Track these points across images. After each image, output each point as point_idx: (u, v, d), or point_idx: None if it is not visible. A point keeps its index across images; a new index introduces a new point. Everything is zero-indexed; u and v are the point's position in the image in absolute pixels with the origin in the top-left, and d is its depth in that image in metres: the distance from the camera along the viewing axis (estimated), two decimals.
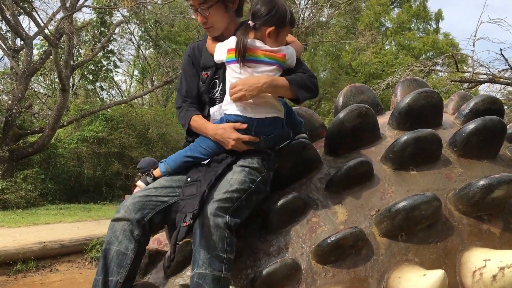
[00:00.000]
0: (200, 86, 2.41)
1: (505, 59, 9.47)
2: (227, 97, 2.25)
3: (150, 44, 26.48)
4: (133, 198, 2.20)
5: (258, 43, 2.24)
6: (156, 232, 2.43)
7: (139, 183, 2.41)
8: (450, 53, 9.10)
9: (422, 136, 2.39)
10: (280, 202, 2.24)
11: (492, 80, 8.48)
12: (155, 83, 28.11)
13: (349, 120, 2.48)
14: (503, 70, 10.11)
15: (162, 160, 2.45)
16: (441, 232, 2.26)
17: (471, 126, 2.52)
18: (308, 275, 2.14)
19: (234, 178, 2.15)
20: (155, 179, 2.38)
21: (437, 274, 1.93)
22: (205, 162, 2.31)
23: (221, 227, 1.96)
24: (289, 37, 2.43)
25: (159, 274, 2.37)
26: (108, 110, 20.18)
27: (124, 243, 2.11)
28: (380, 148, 2.56)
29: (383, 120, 2.78)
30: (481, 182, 2.25)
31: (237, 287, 2.13)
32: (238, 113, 2.22)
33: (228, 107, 2.26)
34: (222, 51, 2.29)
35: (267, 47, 2.24)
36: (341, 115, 2.49)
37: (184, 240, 2.05)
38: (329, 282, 2.12)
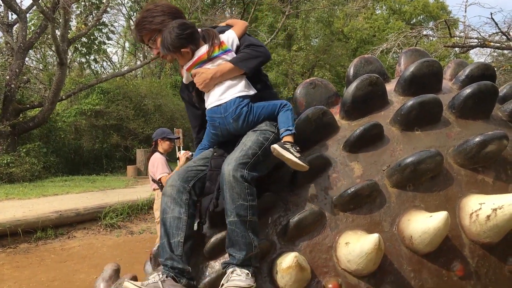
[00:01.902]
0: (194, 101, 2.87)
1: (495, 23, 9.77)
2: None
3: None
4: (180, 170, 2.61)
5: (200, 51, 2.69)
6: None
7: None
8: (443, 19, 9.37)
9: (426, 100, 2.75)
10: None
11: (483, 44, 8.81)
12: (147, 54, 28.13)
13: (361, 88, 2.83)
14: (493, 33, 10.44)
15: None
16: (443, 182, 2.66)
17: (467, 90, 2.88)
18: (331, 220, 2.53)
19: (248, 139, 2.51)
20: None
21: (442, 215, 2.32)
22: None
23: (240, 181, 2.30)
24: (231, 21, 2.90)
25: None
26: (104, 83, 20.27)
27: (177, 209, 2.44)
28: (388, 112, 2.92)
29: (390, 87, 3.13)
30: (477, 139, 2.63)
31: (273, 233, 2.52)
32: (209, 106, 2.67)
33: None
34: (184, 73, 2.81)
35: (204, 49, 2.68)
36: (354, 84, 2.84)
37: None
38: (350, 226, 2.52)
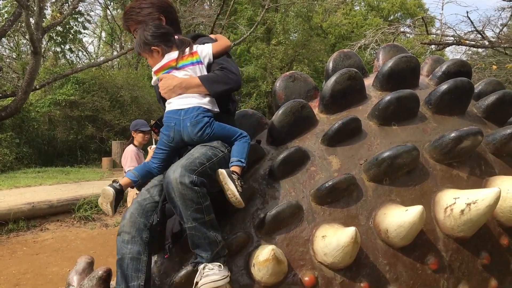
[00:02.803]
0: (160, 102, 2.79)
1: (471, 21, 9.94)
2: None
3: (118, 4, 25.93)
4: (135, 204, 2.42)
5: (170, 55, 2.62)
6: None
7: (107, 188, 2.47)
8: (421, 17, 9.48)
9: (403, 95, 2.78)
10: (285, 154, 2.61)
11: (459, 42, 8.95)
12: (124, 45, 27.74)
13: (340, 82, 2.84)
14: (468, 32, 10.61)
15: (127, 172, 2.67)
16: (419, 176, 2.69)
17: (444, 86, 2.92)
18: (309, 214, 2.54)
19: (196, 151, 2.38)
20: (120, 186, 2.49)
21: (417, 209, 2.35)
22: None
23: (189, 186, 2.16)
24: (218, 36, 2.81)
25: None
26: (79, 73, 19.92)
27: (135, 249, 2.29)
28: (366, 107, 2.94)
29: (368, 82, 3.15)
30: (452, 134, 2.66)
31: (250, 226, 2.51)
32: (168, 108, 2.57)
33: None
34: (152, 75, 2.72)
35: (175, 55, 2.61)
36: (333, 78, 2.85)
37: None
38: (327, 219, 2.53)
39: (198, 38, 2.79)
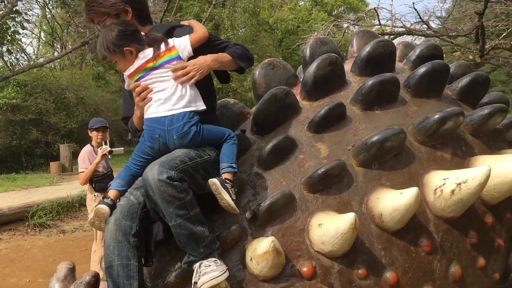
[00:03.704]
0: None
1: (417, 12, 10.21)
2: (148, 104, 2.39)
3: (58, 2, 24.92)
4: (119, 207, 2.25)
5: (144, 54, 2.40)
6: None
7: (101, 206, 2.28)
8: (373, 8, 9.65)
9: (385, 79, 2.76)
10: (273, 143, 2.52)
11: (409, 32, 9.18)
12: (65, 44, 26.73)
13: (322, 67, 2.79)
14: (415, 22, 10.91)
15: (111, 183, 2.43)
16: (405, 159, 2.68)
17: (422, 69, 2.93)
18: (301, 203, 2.47)
19: (178, 151, 2.26)
20: (112, 200, 2.33)
21: (412, 191, 2.33)
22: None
23: (168, 182, 2.04)
24: (193, 23, 2.61)
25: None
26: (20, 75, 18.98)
27: (124, 254, 2.14)
28: (347, 92, 2.91)
29: (346, 67, 3.12)
30: (436, 116, 2.67)
31: (243, 219, 2.41)
32: (148, 116, 2.37)
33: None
34: (125, 79, 2.51)
35: (150, 53, 2.39)
36: (314, 63, 2.79)
37: None
38: (320, 207, 2.47)
39: (175, 29, 2.61)
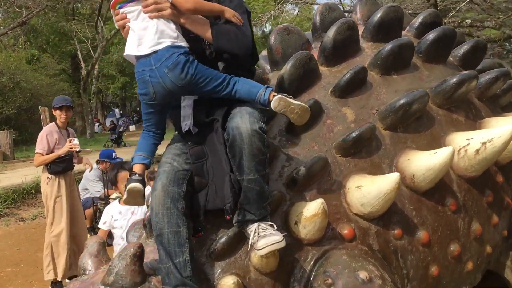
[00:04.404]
0: None
1: None
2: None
3: None
4: (165, 174, 2.13)
5: None
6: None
7: (132, 185, 2.19)
8: None
9: (404, 43, 2.77)
10: None
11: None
12: None
13: (341, 32, 2.75)
14: None
15: (134, 157, 2.31)
16: (426, 122, 2.72)
17: (433, 34, 2.96)
18: (335, 167, 2.45)
19: (245, 104, 2.16)
20: (140, 175, 2.25)
21: (448, 150, 2.37)
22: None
23: (260, 133, 2.01)
24: None
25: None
26: None
27: (174, 221, 2.04)
28: (363, 58, 2.90)
29: None
30: (454, 79, 2.72)
31: (279, 184, 2.36)
32: (131, 53, 2.17)
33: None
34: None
35: None
36: (333, 28, 2.75)
37: None
38: (353, 171, 2.47)
39: None
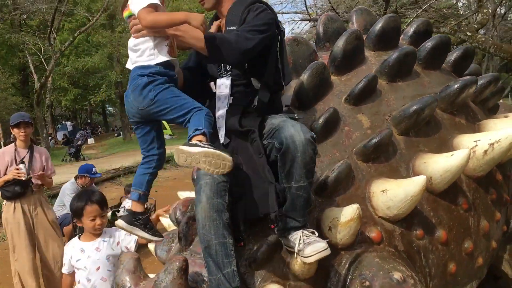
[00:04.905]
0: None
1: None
2: None
3: None
4: (207, 185, 2.09)
5: None
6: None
7: (120, 222, 2.21)
8: None
9: (409, 51, 2.90)
10: (326, 116, 2.54)
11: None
12: None
13: (350, 42, 2.84)
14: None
15: (130, 191, 2.31)
16: (434, 126, 2.85)
17: (431, 43, 3.11)
18: (358, 172, 2.53)
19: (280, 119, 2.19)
20: (129, 210, 2.27)
21: (464, 152, 2.50)
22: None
23: (312, 142, 2.06)
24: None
25: None
26: None
27: (220, 232, 2.04)
28: (368, 66, 3.00)
29: None
30: (458, 85, 2.87)
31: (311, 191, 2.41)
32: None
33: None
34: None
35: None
36: (342, 38, 2.84)
37: None
38: (374, 175, 2.55)
39: None
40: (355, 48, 2.89)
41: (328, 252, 2.00)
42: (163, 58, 2.13)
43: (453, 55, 3.45)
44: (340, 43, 2.84)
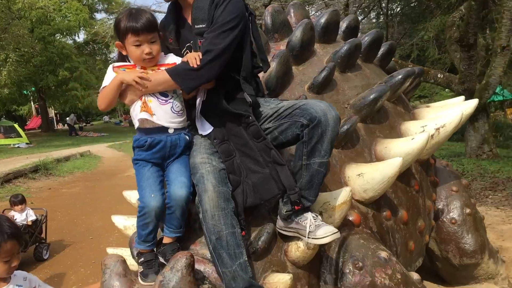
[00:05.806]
0: None
1: None
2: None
3: None
4: (210, 173, 2.00)
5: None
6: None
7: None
8: None
9: (358, 43, 3.04)
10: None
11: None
12: None
13: (307, 32, 2.87)
14: None
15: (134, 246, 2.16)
16: (384, 114, 3.02)
17: (369, 37, 3.30)
18: (332, 159, 2.57)
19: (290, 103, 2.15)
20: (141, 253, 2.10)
21: (424, 136, 2.68)
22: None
23: (339, 119, 2.05)
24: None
25: None
26: None
27: (229, 222, 1.94)
28: (319, 57, 3.07)
29: None
30: (400, 76, 3.08)
31: None
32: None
33: None
34: None
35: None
36: (299, 28, 2.84)
37: None
38: (345, 161, 2.62)
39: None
40: (310, 38, 2.94)
41: (339, 235, 1.99)
42: (137, 117, 2.09)
43: (380, 50, 3.69)
44: (298, 33, 2.87)
